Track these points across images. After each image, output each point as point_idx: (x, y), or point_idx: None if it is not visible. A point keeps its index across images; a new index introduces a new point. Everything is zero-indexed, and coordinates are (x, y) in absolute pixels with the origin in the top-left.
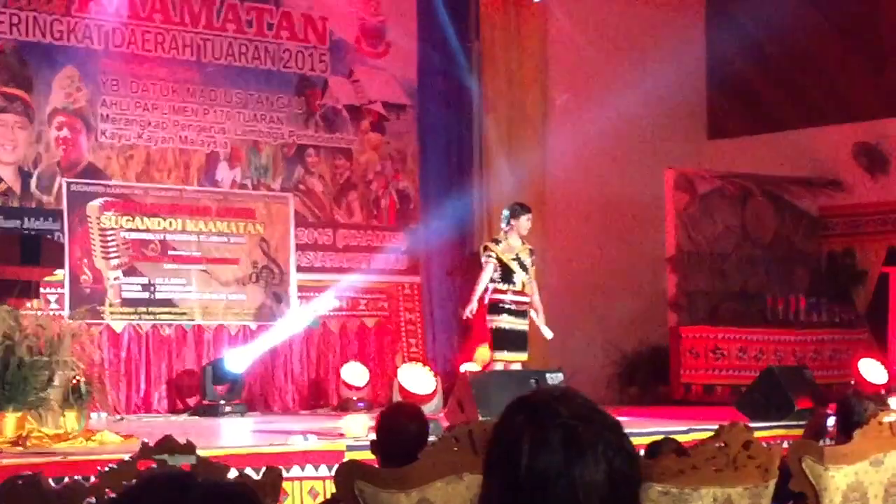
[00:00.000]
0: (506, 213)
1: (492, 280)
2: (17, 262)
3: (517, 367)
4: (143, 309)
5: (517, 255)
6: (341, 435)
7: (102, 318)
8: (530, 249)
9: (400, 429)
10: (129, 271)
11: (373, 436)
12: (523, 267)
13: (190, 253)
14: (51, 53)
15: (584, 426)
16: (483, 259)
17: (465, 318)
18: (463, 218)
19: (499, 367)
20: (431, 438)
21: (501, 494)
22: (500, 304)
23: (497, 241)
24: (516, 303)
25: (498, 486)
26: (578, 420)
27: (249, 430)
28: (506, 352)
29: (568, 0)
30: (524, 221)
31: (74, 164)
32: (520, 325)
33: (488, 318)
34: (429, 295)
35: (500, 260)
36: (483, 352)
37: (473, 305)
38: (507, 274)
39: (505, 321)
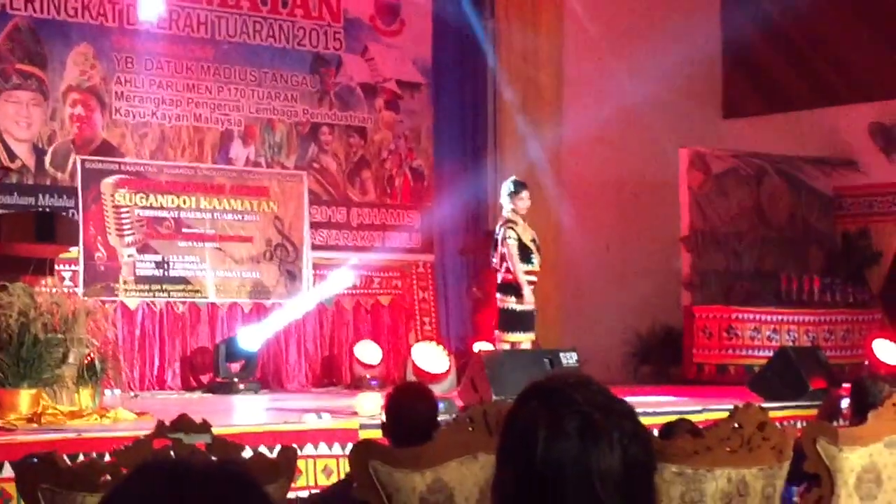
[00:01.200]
0: (506, 192)
1: (504, 259)
2: (31, 240)
3: (527, 346)
4: (157, 286)
5: (532, 236)
6: (355, 413)
7: (117, 296)
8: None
9: (408, 409)
10: (143, 249)
11: (384, 416)
12: (538, 248)
13: (204, 231)
14: (65, 30)
15: (600, 414)
16: (508, 240)
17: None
18: (477, 196)
19: (506, 347)
20: (444, 417)
21: (516, 482)
22: (513, 285)
23: (514, 223)
24: (528, 282)
25: (513, 474)
26: (594, 408)
27: (263, 408)
28: (516, 332)
29: None
30: (519, 201)
31: (89, 142)
32: (529, 305)
33: (499, 297)
34: (443, 273)
35: (519, 240)
36: None
37: (526, 291)
38: (525, 254)
39: (515, 302)
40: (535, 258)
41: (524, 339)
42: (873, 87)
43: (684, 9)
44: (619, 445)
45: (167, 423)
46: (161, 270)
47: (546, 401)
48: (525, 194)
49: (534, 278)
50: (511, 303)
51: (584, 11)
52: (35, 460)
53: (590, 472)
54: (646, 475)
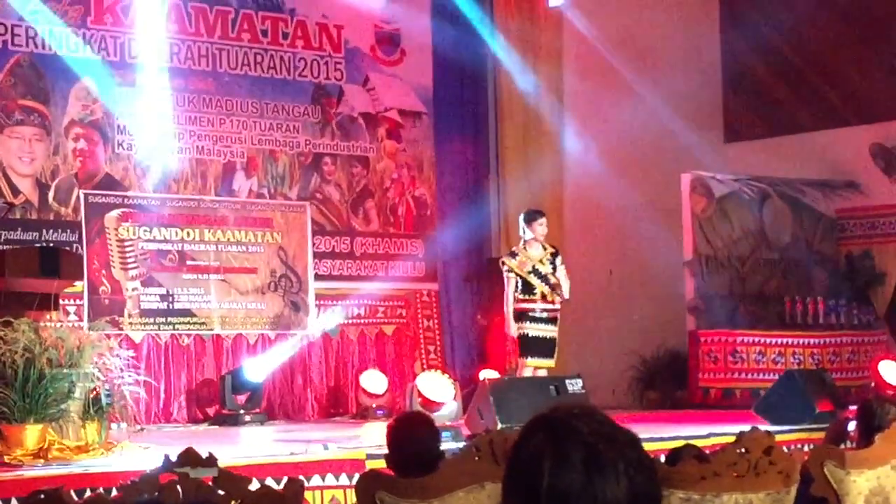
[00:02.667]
0: (521, 221)
1: (516, 290)
2: (36, 275)
3: (543, 373)
4: (162, 319)
5: (534, 266)
6: (361, 443)
7: (122, 329)
8: (552, 253)
9: (410, 439)
10: (148, 282)
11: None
12: (542, 278)
13: (208, 263)
14: (67, 65)
15: (605, 444)
16: (504, 276)
17: (511, 336)
18: (480, 224)
19: (527, 372)
20: (451, 446)
21: None
22: (529, 313)
23: (514, 255)
24: (546, 310)
25: None
26: (599, 438)
27: (269, 440)
28: (532, 358)
29: (583, 6)
30: (538, 227)
31: (92, 176)
32: (548, 332)
33: (516, 325)
34: (447, 302)
35: (518, 274)
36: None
37: (511, 324)
38: (526, 286)
39: (530, 328)
40: (539, 288)
41: (536, 365)
42: (874, 109)
43: (684, 33)
44: (625, 476)
45: (173, 457)
46: (166, 303)
47: (551, 432)
48: (537, 223)
49: (547, 305)
50: (526, 329)
51: (583, 39)
52: (42, 496)
53: (596, 503)
54: None
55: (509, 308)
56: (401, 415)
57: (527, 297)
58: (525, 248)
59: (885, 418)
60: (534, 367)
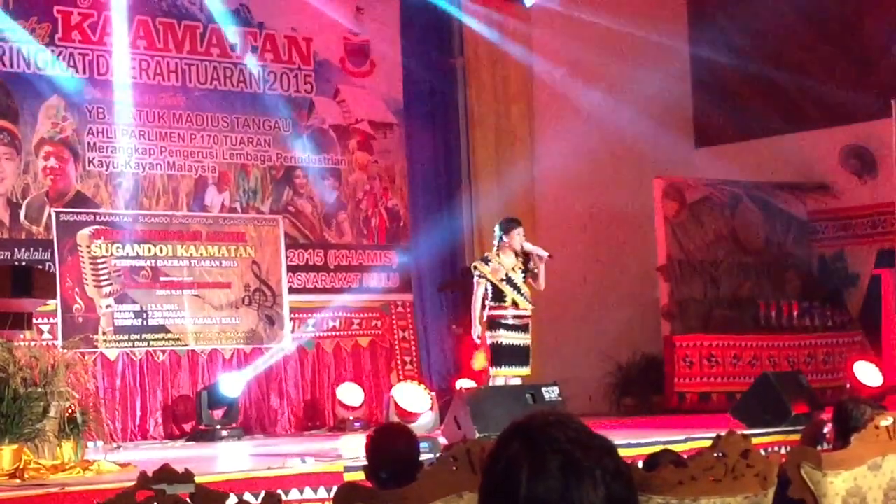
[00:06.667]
0: (497, 230)
1: (486, 297)
2: (8, 294)
3: (517, 381)
4: (137, 336)
5: (507, 275)
6: (339, 456)
7: (96, 347)
8: (524, 261)
9: (389, 450)
10: (121, 298)
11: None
12: (514, 287)
13: (181, 278)
14: (36, 83)
15: (582, 452)
16: (474, 279)
17: (475, 340)
18: (453, 234)
19: (499, 381)
20: (428, 456)
21: None
22: (500, 320)
23: (487, 261)
24: (516, 317)
25: None
26: (575, 446)
27: (247, 455)
28: (505, 367)
29: (552, 12)
30: (516, 237)
31: (63, 194)
32: (520, 339)
33: (487, 334)
34: (422, 312)
35: (490, 280)
36: (481, 358)
37: (477, 328)
38: (498, 293)
39: (504, 336)
40: (510, 296)
41: (508, 374)
42: (844, 111)
43: (653, 39)
44: (603, 483)
45: (150, 473)
46: (140, 320)
47: (527, 441)
48: (516, 232)
49: (518, 312)
50: (498, 337)
51: (552, 46)
52: None
53: None
54: None
55: (477, 312)
56: (380, 426)
57: (498, 303)
58: (498, 254)
59: (860, 419)
60: (509, 375)
